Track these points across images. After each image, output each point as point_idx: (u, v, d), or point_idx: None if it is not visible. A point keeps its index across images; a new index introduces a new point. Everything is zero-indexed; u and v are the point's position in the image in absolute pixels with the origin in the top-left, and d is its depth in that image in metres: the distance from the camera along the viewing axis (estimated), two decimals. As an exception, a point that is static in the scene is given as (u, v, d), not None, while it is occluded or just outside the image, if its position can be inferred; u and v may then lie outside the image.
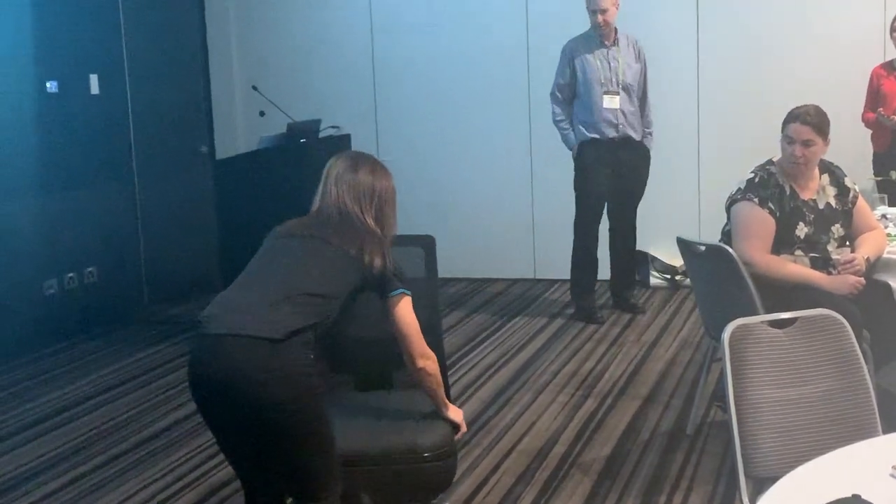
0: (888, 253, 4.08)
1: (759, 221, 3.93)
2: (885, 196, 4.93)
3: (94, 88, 6.55)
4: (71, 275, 6.36)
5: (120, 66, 6.78)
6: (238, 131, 7.74)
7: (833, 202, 4.05)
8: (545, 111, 6.49)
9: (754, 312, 3.62)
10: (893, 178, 5.43)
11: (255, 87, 6.79)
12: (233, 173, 5.74)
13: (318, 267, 2.89)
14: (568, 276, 6.44)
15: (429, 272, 3.45)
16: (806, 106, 3.99)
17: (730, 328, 2.63)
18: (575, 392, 4.94)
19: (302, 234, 2.98)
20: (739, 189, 4.02)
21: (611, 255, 6.33)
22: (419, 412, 3.18)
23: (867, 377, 2.66)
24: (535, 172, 7.22)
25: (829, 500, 1.91)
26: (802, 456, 2.40)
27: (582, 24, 6.15)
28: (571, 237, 6.25)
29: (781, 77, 6.66)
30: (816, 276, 3.91)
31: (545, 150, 7.01)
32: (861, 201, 4.13)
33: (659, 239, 6.73)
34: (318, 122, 6.36)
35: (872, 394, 2.66)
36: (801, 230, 3.96)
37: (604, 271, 6.34)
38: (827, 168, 4.11)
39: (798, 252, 3.97)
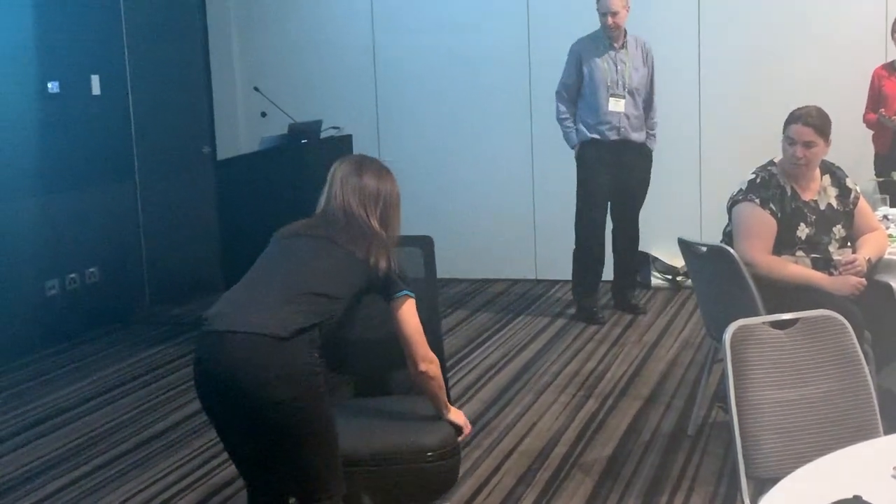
0: (889, 254, 4.08)
1: (761, 222, 3.93)
2: (887, 197, 4.92)
3: (96, 89, 6.55)
4: (72, 275, 6.37)
5: (121, 66, 6.78)
6: (239, 132, 7.75)
7: (834, 203, 4.05)
8: (546, 111, 6.50)
9: (755, 313, 3.62)
10: (894, 178, 5.43)
11: (256, 88, 6.80)
12: (234, 174, 5.75)
13: (323, 266, 2.90)
14: (568, 277, 6.45)
15: (428, 273, 3.45)
16: (807, 107, 3.99)
17: (731, 329, 2.63)
18: (576, 393, 4.94)
19: (308, 234, 2.99)
20: (741, 190, 4.02)
21: (613, 255, 6.33)
22: (421, 414, 3.19)
23: (868, 378, 2.66)
24: (537, 173, 7.22)
25: (830, 501, 1.91)
26: (804, 457, 2.40)
27: (583, 24, 6.15)
28: (572, 238, 6.26)
29: (782, 78, 6.66)
30: (818, 277, 3.91)
31: (546, 150, 7.01)
32: (862, 202, 4.13)
33: (660, 239, 6.73)
34: (319, 122, 6.37)
35: (874, 394, 2.66)
36: (803, 231, 3.97)
37: (606, 272, 6.33)
38: (828, 169, 4.11)
39: (799, 253, 3.97)
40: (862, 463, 2.20)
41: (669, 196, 6.72)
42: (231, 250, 5.57)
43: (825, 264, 3.96)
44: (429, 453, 3.06)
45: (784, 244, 3.96)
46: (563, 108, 6.09)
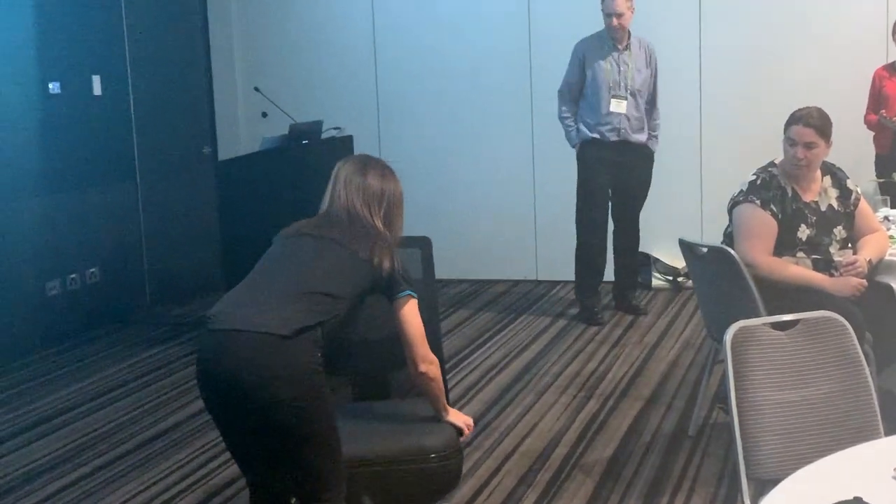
0: (890, 255, 4.08)
1: (761, 223, 3.93)
2: (888, 198, 4.92)
3: (97, 89, 6.56)
4: (73, 275, 6.37)
5: (122, 67, 6.78)
6: (240, 132, 7.75)
7: (835, 204, 4.05)
8: (547, 112, 6.50)
9: (756, 314, 3.62)
10: (895, 179, 5.43)
11: (257, 89, 6.80)
12: (235, 174, 5.74)
13: (327, 266, 2.91)
14: (570, 277, 6.46)
15: (426, 274, 3.46)
16: (808, 108, 3.99)
17: (732, 330, 2.63)
18: (577, 393, 4.94)
19: (311, 234, 3.00)
20: (741, 191, 4.02)
21: (614, 256, 6.33)
22: (423, 416, 3.19)
23: (869, 379, 2.66)
24: (538, 174, 7.22)
25: (830, 503, 1.91)
26: (804, 458, 2.40)
27: (585, 24, 6.15)
28: (573, 238, 6.26)
29: (783, 79, 6.66)
30: (818, 278, 3.91)
31: (547, 151, 7.01)
32: (863, 203, 4.13)
33: (661, 240, 6.73)
34: (320, 123, 6.36)
35: (874, 396, 2.66)
36: (803, 232, 3.96)
37: (607, 273, 6.33)
38: (829, 170, 4.11)
39: (800, 254, 3.97)
40: (863, 464, 2.20)
41: (670, 197, 6.72)
42: (232, 251, 5.56)
43: (826, 265, 3.96)
44: (432, 455, 3.06)
45: (785, 245, 3.96)
46: (564, 107, 6.09)
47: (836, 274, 3.94)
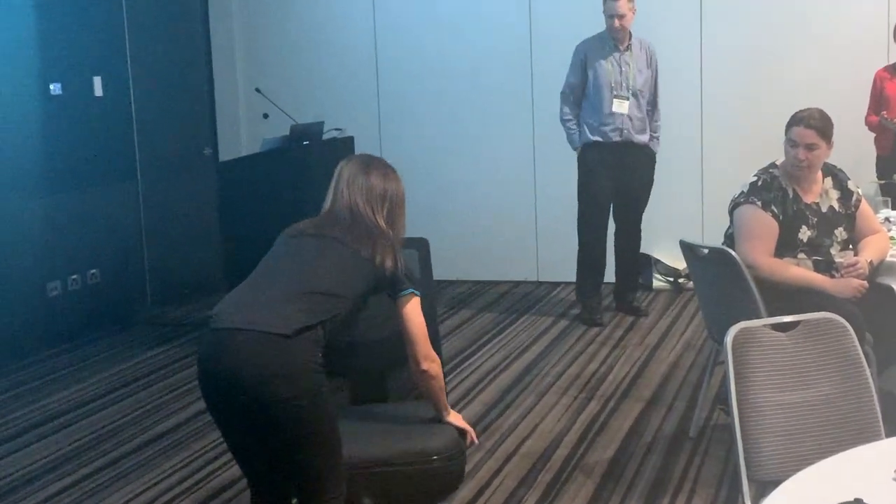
0: (891, 256, 4.08)
1: (762, 224, 3.93)
2: (889, 199, 4.92)
3: (98, 90, 6.56)
4: (74, 276, 6.37)
5: (123, 68, 6.78)
6: (241, 133, 7.75)
7: (836, 205, 4.05)
8: (548, 113, 6.50)
9: (757, 316, 3.63)
10: (896, 181, 5.43)
11: (258, 90, 6.80)
12: (236, 175, 5.74)
13: (329, 266, 2.92)
14: (571, 279, 6.46)
15: (424, 275, 3.46)
16: (809, 109, 3.98)
17: (732, 331, 2.63)
18: (578, 395, 4.93)
19: (314, 234, 3.01)
20: (742, 192, 4.02)
21: (615, 257, 6.33)
22: (425, 418, 3.19)
23: (870, 380, 2.66)
24: (539, 175, 7.22)
25: (831, 504, 1.91)
26: (805, 459, 2.40)
27: (585, 25, 6.15)
28: (575, 239, 6.26)
29: (784, 80, 6.65)
30: (819, 280, 3.91)
31: (548, 152, 7.01)
32: (864, 204, 4.13)
33: (662, 241, 6.73)
34: (321, 124, 6.36)
35: (875, 397, 2.66)
36: (804, 233, 3.96)
37: (608, 274, 6.34)
38: (830, 171, 4.11)
39: (801, 255, 3.97)
40: (863, 466, 2.20)
41: (671, 198, 6.72)
42: (232, 252, 5.56)
43: (827, 267, 3.96)
44: (434, 457, 3.06)
45: (786, 246, 3.95)
46: (567, 109, 6.09)
47: (836, 275, 3.93)
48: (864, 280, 3.88)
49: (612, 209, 6.22)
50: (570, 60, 6.09)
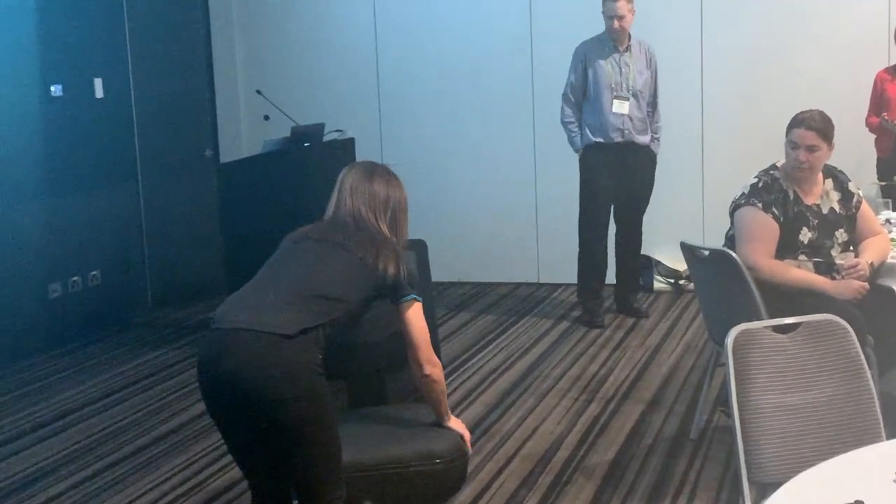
0: (892, 258, 4.08)
1: (763, 226, 3.93)
2: (889, 201, 4.92)
3: (99, 92, 6.56)
4: (75, 278, 6.37)
5: (124, 69, 6.79)
6: (242, 135, 7.75)
7: (837, 207, 4.05)
8: (549, 114, 6.50)
9: (758, 317, 3.62)
10: (897, 182, 5.43)
11: (259, 91, 6.80)
12: (237, 177, 5.74)
13: (331, 270, 2.93)
14: (572, 280, 6.46)
15: (422, 277, 3.46)
16: (810, 111, 3.98)
17: (733, 333, 2.63)
18: (578, 396, 4.93)
19: (318, 238, 3.03)
20: (743, 194, 4.02)
21: (616, 258, 6.33)
22: (427, 421, 3.20)
23: (871, 382, 2.66)
24: (539, 176, 7.21)
25: (832, 506, 1.91)
26: (806, 461, 2.39)
27: (586, 25, 6.15)
28: (575, 241, 6.26)
29: (785, 82, 6.65)
30: (820, 281, 3.90)
31: (549, 152, 7.01)
32: (865, 206, 4.13)
33: (663, 243, 6.72)
34: (321, 125, 6.36)
35: (876, 399, 2.65)
36: (805, 235, 3.96)
37: (609, 276, 6.33)
38: (830, 173, 4.11)
39: (802, 257, 3.97)
40: (864, 468, 2.20)
41: (672, 199, 6.72)
42: (233, 253, 5.57)
43: (827, 268, 3.96)
44: (437, 460, 3.06)
45: (786, 248, 3.95)
46: (568, 111, 6.09)
47: (837, 277, 3.93)
48: (864, 282, 3.88)
49: (612, 210, 6.22)
50: (570, 60, 6.10)
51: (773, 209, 3.94)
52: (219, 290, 6.02)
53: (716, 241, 4.29)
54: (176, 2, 7.34)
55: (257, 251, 3.15)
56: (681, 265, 6.55)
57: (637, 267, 6.48)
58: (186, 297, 7.11)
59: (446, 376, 4.03)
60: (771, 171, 4.04)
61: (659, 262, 6.95)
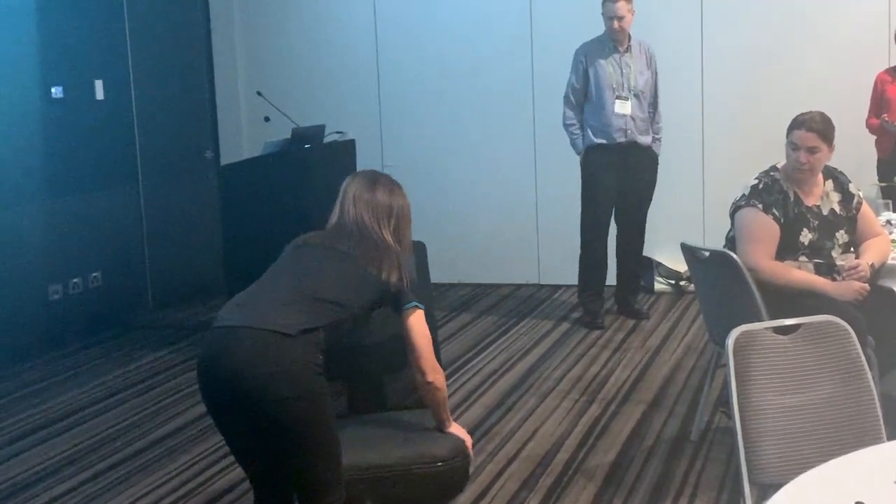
0: (892, 259, 4.08)
1: (763, 227, 3.93)
2: (890, 202, 4.92)
3: (99, 94, 6.57)
4: (76, 280, 6.37)
5: (125, 71, 6.79)
6: (243, 137, 7.75)
7: (837, 208, 4.05)
8: (549, 116, 6.50)
9: (758, 319, 3.62)
10: (897, 183, 5.42)
11: (259, 93, 6.80)
12: (237, 178, 5.74)
13: (335, 276, 2.95)
14: (572, 281, 6.45)
15: (421, 278, 3.46)
16: (811, 112, 3.98)
17: (734, 334, 2.63)
18: (579, 398, 4.93)
19: (322, 245, 3.05)
20: (744, 195, 4.02)
21: (617, 260, 6.32)
22: (429, 426, 3.20)
23: (871, 384, 2.66)
24: (540, 177, 7.21)
25: (832, 508, 1.91)
26: (806, 463, 2.39)
27: (586, 26, 6.16)
28: (576, 242, 6.26)
29: (785, 82, 6.65)
30: (821, 283, 3.90)
31: (549, 154, 7.01)
32: (865, 207, 4.13)
33: (663, 244, 6.72)
34: (322, 127, 6.36)
35: (877, 400, 2.65)
36: (806, 236, 3.96)
37: (610, 277, 6.33)
38: (831, 174, 4.11)
39: (802, 258, 3.97)
40: (865, 469, 2.20)
41: (673, 201, 6.71)
42: (234, 255, 5.56)
43: (828, 270, 3.96)
44: (439, 463, 3.07)
45: (787, 249, 3.95)
46: (570, 113, 6.09)
47: (838, 278, 3.93)
48: (865, 283, 3.88)
49: (614, 212, 6.21)
50: (570, 61, 6.10)
51: (774, 210, 3.94)
52: (219, 292, 6.02)
53: (716, 243, 4.29)
54: (176, 3, 7.35)
55: (258, 253, 3.16)
56: (681, 266, 6.55)
57: (638, 268, 6.47)
58: (187, 299, 7.11)
59: (447, 378, 4.03)
60: (771, 173, 4.04)
61: (659, 264, 6.95)
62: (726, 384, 2.64)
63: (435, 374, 3.06)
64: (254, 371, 2.74)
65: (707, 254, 4.01)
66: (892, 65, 6.19)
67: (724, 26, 6.79)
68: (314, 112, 7.01)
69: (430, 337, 3.05)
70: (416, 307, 3.02)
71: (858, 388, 2.64)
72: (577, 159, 6.16)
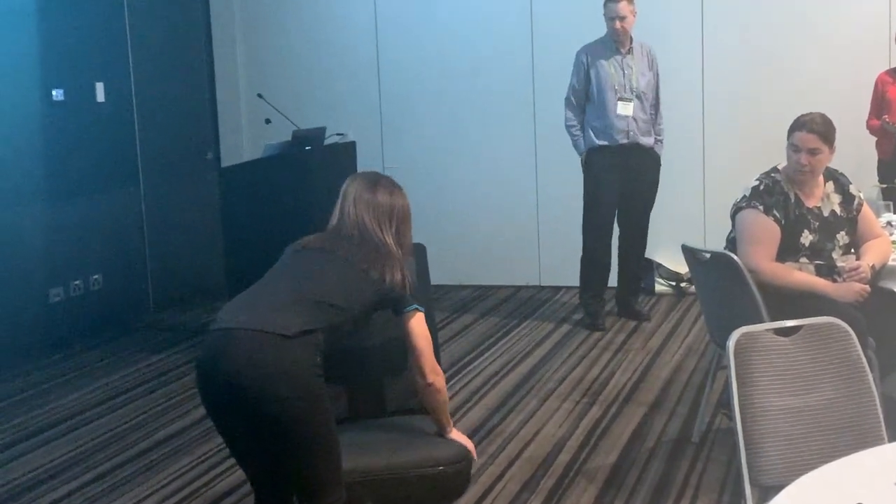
0: (893, 260, 4.08)
1: (764, 229, 3.93)
2: (891, 203, 4.92)
3: (100, 96, 6.57)
4: (77, 282, 6.38)
5: (125, 73, 6.80)
6: (243, 139, 7.76)
7: (838, 210, 4.05)
8: (550, 117, 6.50)
9: (759, 320, 3.62)
10: (898, 184, 5.43)
11: (260, 95, 6.80)
12: (238, 180, 5.75)
13: (335, 279, 2.95)
14: (573, 283, 6.45)
15: (421, 281, 3.46)
16: (812, 114, 3.98)
17: (735, 336, 2.63)
18: (580, 399, 4.93)
19: (322, 248, 3.04)
20: (744, 196, 4.02)
21: (619, 262, 6.32)
22: (430, 430, 3.20)
23: (872, 385, 2.66)
24: (540, 179, 7.22)
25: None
26: (808, 464, 2.39)
27: (587, 26, 6.16)
28: (577, 242, 6.26)
29: (786, 84, 6.66)
30: (821, 284, 3.90)
31: (550, 156, 7.02)
32: (866, 209, 4.13)
33: (664, 246, 6.72)
34: (322, 129, 6.36)
35: (878, 402, 2.65)
36: (806, 238, 3.96)
37: (610, 278, 6.33)
38: (831, 175, 4.11)
39: (803, 260, 3.97)
40: (866, 471, 2.20)
41: (674, 202, 6.71)
42: (235, 257, 5.57)
43: (829, 271, 3.96)
44: (441, 467, 3.07)
45: (788, 251, 3.95)
46: (571, 115, 6.09)
47: (839, 279, 3.93)
48: (866, 284, 3.88)
49: (616, 214, 6.21)
50: (571, 61, 6.10)
51: (775, 212, 3.94)
52: (220, 294, 6.03)
53: (718, 242, 4.29)
54: (177, 5, 7.36)
55: (259, 254, 3.16)
56: (682, 268, 6.55)
57: (640, 269, 6.47)
58: (188, 301, 7.12)
59: (447, 380, 4.03)
60: (772, 174, 4.04)
61: (660, 265, 6.95)
62: (727, 386, 2.64)
63: (435, 375, 3.05)
64: (253, 372, 2.74)
65: (708, 255, 4.01)
66: (892, 65, 6.19)
67: (724, 26, 6.79)
68: (314, 112, 7.02)
69: (430, 339, 3.05)
70: (417, 310, 3.02)
71: (859, 389, 2.64)
72: (577, 159, 6.16)
